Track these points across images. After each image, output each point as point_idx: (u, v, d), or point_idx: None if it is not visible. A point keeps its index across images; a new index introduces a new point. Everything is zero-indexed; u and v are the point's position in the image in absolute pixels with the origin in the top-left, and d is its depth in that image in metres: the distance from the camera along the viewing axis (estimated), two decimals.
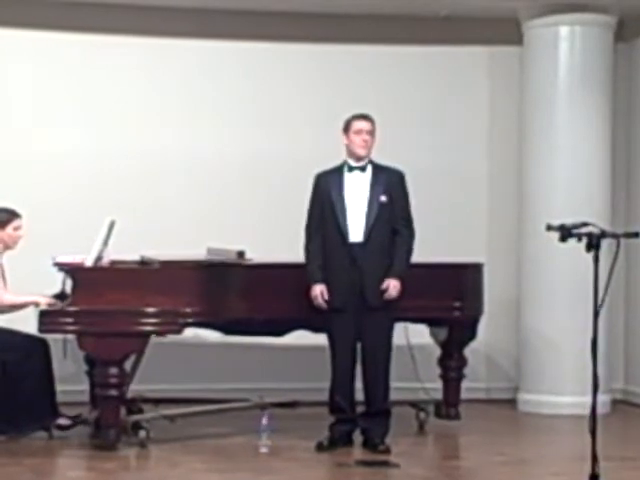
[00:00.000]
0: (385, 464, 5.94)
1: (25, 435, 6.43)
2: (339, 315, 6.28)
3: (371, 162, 6.37)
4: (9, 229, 6.57)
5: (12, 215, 6.58)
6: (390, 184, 6.32)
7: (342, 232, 6.26)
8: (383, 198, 6.28)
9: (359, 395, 6.39)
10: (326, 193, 6.35)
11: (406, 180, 6.39)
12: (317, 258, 6.34)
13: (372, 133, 6.35)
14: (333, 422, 6.40)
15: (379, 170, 6.36)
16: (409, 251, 6.34)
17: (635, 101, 8.41)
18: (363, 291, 6.23)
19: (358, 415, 6.41)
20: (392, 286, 6.22)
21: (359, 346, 6.32)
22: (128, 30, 8.02)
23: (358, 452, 6.27)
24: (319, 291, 6.30)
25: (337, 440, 6.35)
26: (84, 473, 5.88)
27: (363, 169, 6.35)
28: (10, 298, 6.52)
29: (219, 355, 7.96)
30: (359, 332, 6.28)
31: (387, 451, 6.20)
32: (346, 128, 6.37)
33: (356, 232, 6.26)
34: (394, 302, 6.26)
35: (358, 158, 6.34)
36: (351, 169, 6.36)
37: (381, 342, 6.30)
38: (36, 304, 6.33)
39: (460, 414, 7.24)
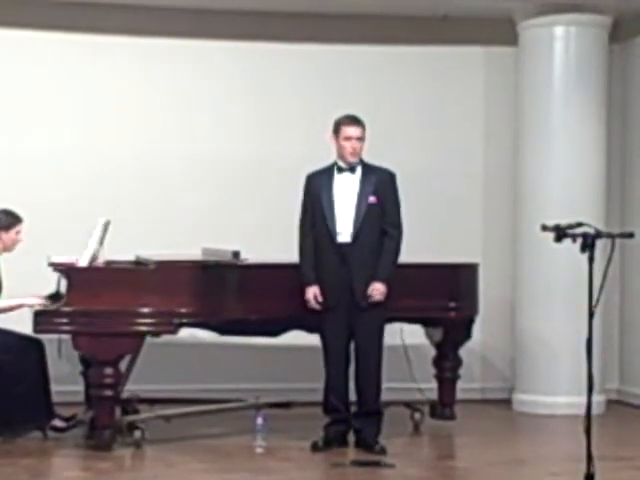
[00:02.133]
0: (380, 464, 5.94)
1: (20, 436, 6.43)
2: (331, 314, 6.27)
3: (362, 162, 6.34)
4: (12, 233, 6.61)
5: (17, 220, 6.63)
6: (380, 184, 6.29)
7: (331, 233, 6.24)
8: (372, 199, 6.25)
9: (352, 395, 6.39)
10: (316, 194, 6.34)
11: (397, 181, 6.36)
12: (310, 258, 6.33)
13: (362, 138, 6.31)
14: (328, 422, 6.40)
15: (369, 170, 6.33)
16: (396, 253, 6.30)
17: (630, 101, 8.42)
18: (352, 291, 6.23)
19: (351, 415, 6.41)
20: (376, 290, 6.21)
21: (352, 346, 6.32)
22: (127, 30, 8.02)
23: (353, 452, 6.26)
24: (312, 294, 6.29)
25: (332, 440, 6.35)
26: (79, 473, 5.87)
27: (353, 170, 6.32)
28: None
29: (214, 355, 7.95)
30: (352, 332, 6.28)
31: (382, 451, 6.20)
32: (336, 131, 6.32)
33: (345, 233, 6.24)
34: (382, 303, 6.24)
35: (348, 162, 6.34)
36: (340, 170, 6.34)
37: (371, 342, 6.27)
38: (29, 306, 6.32)
39: (455, 414, 7.24)
